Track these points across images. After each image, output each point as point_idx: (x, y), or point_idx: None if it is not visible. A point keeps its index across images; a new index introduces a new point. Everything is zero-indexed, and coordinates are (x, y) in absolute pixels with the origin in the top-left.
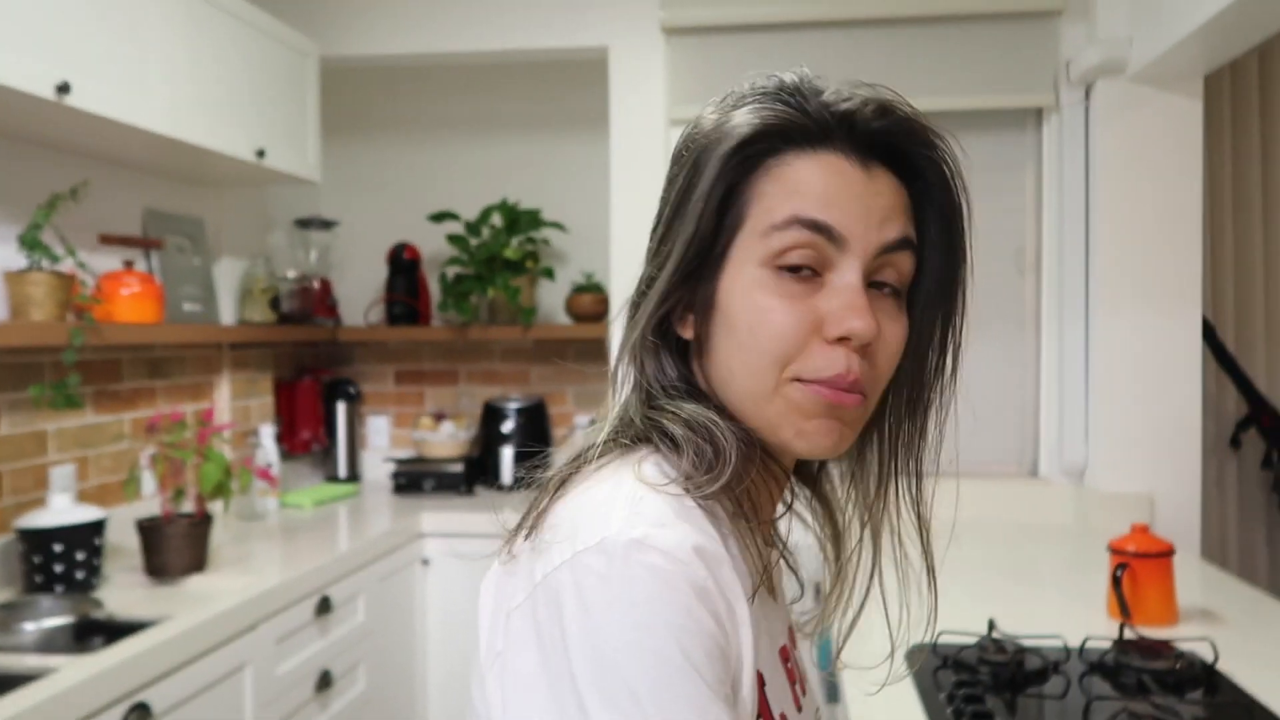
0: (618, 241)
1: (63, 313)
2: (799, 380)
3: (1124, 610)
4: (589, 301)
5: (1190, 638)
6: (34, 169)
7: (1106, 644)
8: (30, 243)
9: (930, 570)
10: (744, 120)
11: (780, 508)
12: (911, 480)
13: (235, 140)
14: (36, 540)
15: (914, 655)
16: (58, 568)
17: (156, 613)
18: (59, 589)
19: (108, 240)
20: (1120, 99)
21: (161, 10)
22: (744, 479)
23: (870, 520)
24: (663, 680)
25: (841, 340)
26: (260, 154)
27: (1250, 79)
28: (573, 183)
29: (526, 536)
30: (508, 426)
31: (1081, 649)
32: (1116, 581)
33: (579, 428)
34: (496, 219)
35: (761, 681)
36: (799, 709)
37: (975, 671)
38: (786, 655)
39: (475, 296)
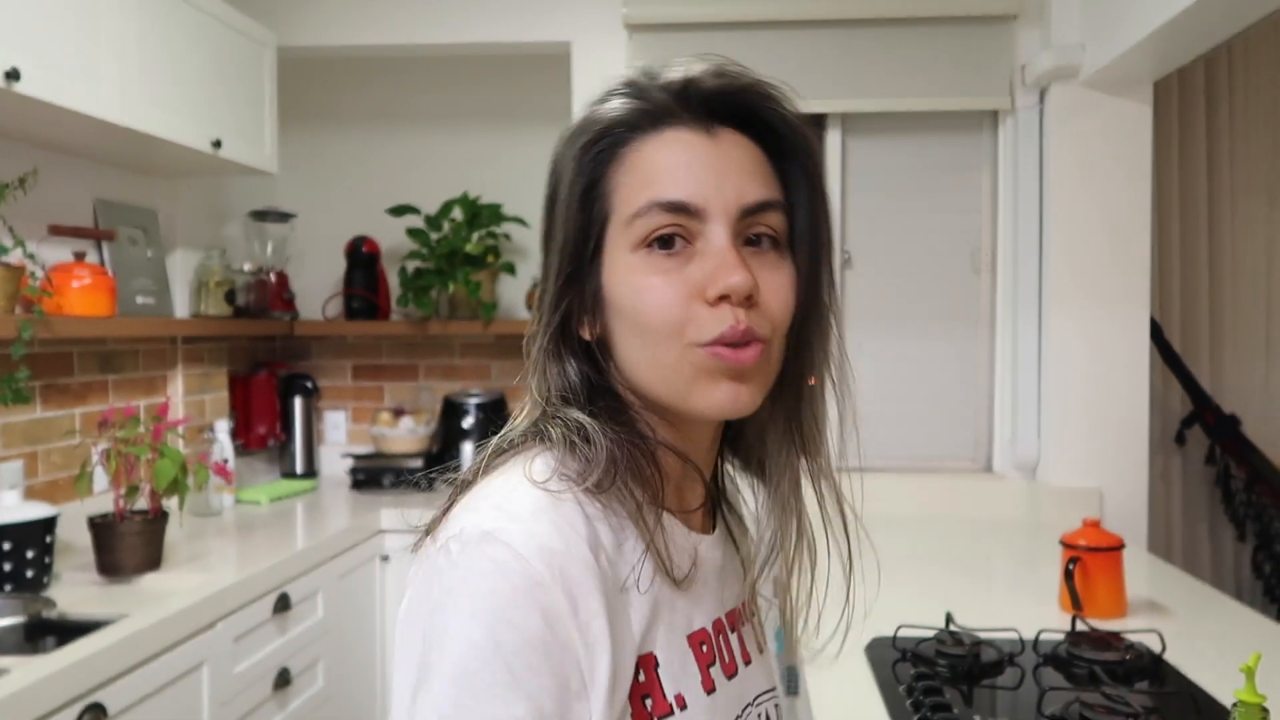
0: None
1: (11, 305)
2: (697, 346)
3: (1075, 603)
4: None
5: (1139, 629)
6: None
7: (1059, 636)
8: None
9: (848, 536)
10: (589, 119)
11: (698, 500)
12: (818, 453)
13: (190, 130)
14: None
15: (873, 648)
16: (6, 566)
17: (111, 612)
18: (8, 588)
19: (58, 231)
20: (1073, 103)
21: None
22: (641, 475)
23: (792, 494)
24: (474, 668)
25: (723, 299)
26: (216, 144)
27: (1197, 87)
28: (534, 178)
29: (428, 533)
30: (468, 422)
31: (1035, 641)
32: (1069, 575)
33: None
34: (457, 213)
35: (653, 663)
36: (709, 689)
37: (933, 664)
38: (704, 637)
39: (435, 291)
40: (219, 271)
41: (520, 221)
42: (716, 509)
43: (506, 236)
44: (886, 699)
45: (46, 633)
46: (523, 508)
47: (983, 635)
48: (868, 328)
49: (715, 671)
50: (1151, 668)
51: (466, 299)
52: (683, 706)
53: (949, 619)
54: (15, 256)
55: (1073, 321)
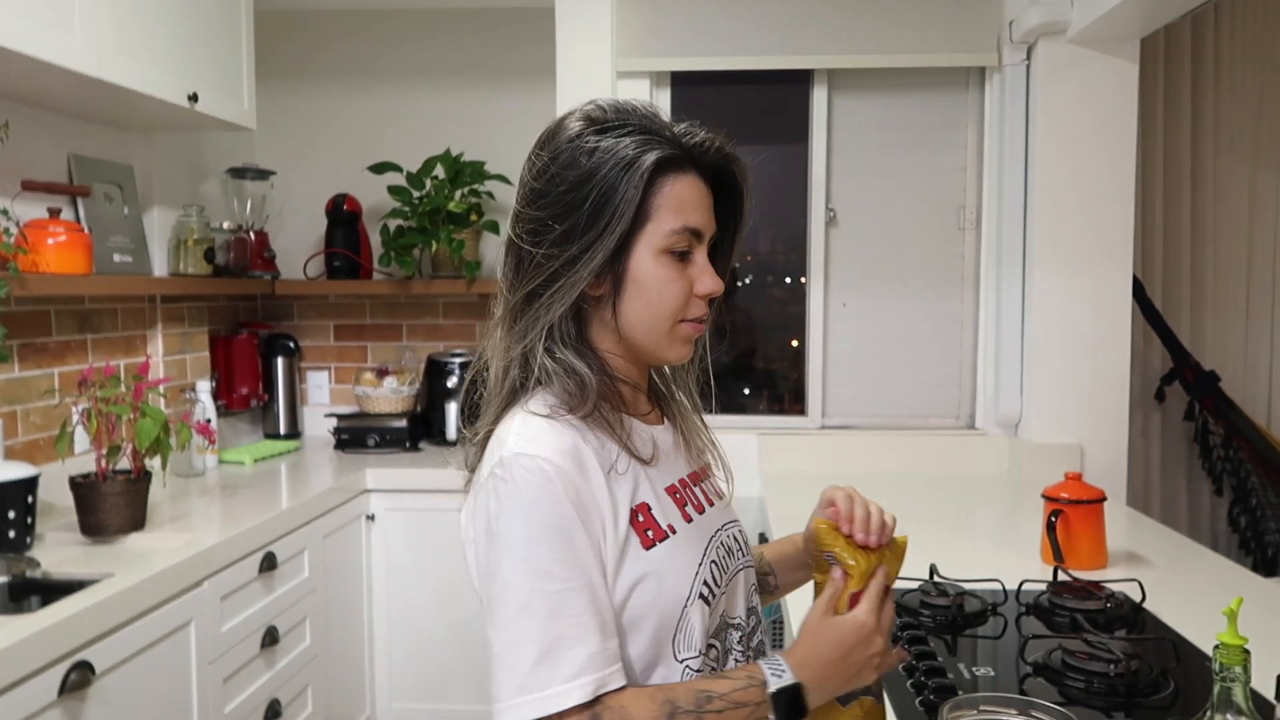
0: None
1: None
2: (683, 321)
3: (1057, 555)
4: None
5: (1119, 579)
6: None
7: (1041, 587)
8: None
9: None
10: (644, 153)
11: (647, 405)
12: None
13: (166, 83)
14: None
15: None
16: None
17: (95, 571)
18: None
19: (31, 187)
20: (1060, 60)
21: None
22: (608, 400)
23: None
24: (539, 543)
25: (704, 296)
26: (193, 98)
27: (1183, 44)
28: (518, 135)
29: (471, 477)
30: (451, 381)
31: (1018, 592)
32: (1051, 527)
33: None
34: (439, 171)
35: (647, 508)
36: (688, 520)
37: (918, 615)
38: (674, 489)
39: (418, 250)
40: (197, 229)
41: (503, 179)
42: (661, 408)
43: (490, 195)
44: None
45: (30, 592)
46: (536, 430)
47: (966, 586)
48: (852, 286)
49: (690, 510)
50: (1132, 616)
51: (449, 258)
52: (673, 531)
53: (933, 571)
54: None
55: (1056, 279)
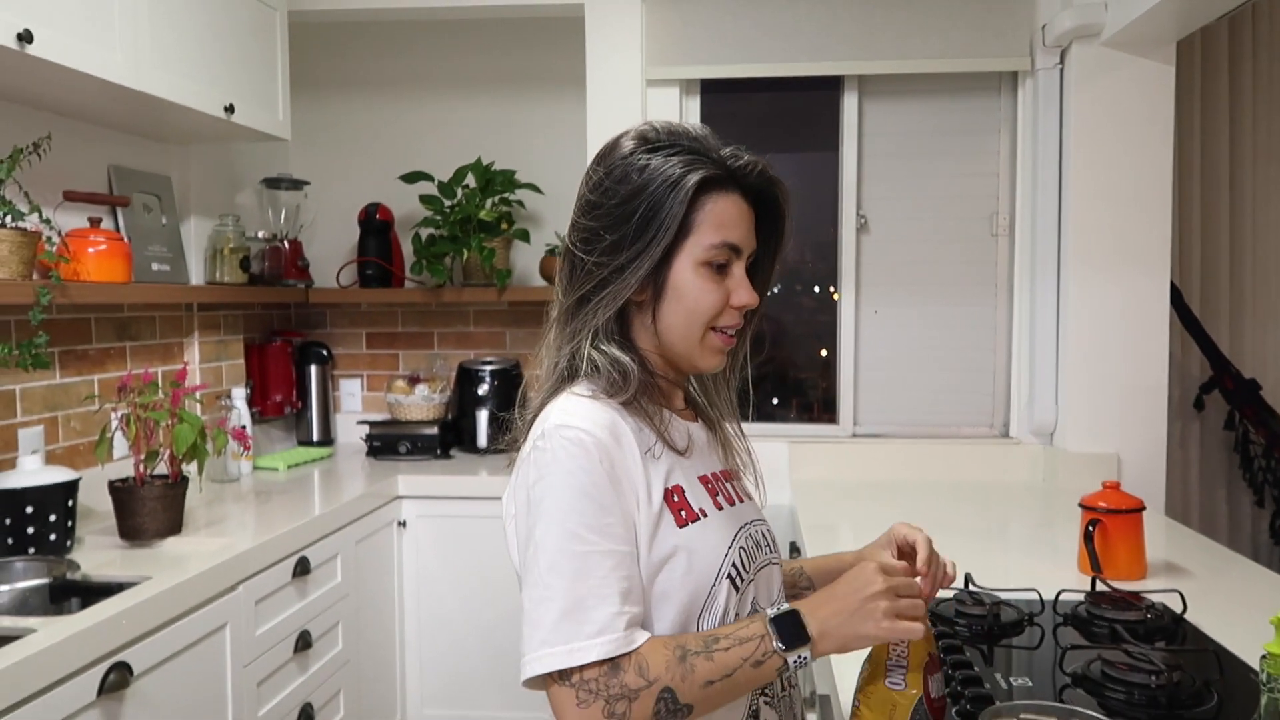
0: None
1: (28, 271)
2: (714, 330)
3: (1095, 565)
4: None
5: (1159, 590)
6: None
7: (1079, 597)
8: None
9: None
10: (689, 172)
11: (683, 404)
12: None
13: (203, 95)
14: (7, 502)
15: None
16: (29, 530)
17: (133, 574)
18: (31, 551)
19: (73, 197)
20: (1095, 63)
21: None
22: (648, 393)
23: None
24: (576, 510)
25: (739, 307)
26: (229, 109)
27: (1220, 46)
28: (548, 144)
29: (517, 451)
30: (482, 389)
31: (1055, 602)
32: (1088, 537)
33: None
34: (470, 180)
35: (681, 490)
36: (719, 508)
37: (953, 624)
38: (707, 480)
39: (449, 258)
40: (233, 239)
41: (534, 188)
42: (697, 411)
43: (520, 203)
44: None
45: (70, 594)
46: (578, 406)
47: (1002, 596)
48: (883, 293)
49: (721, 499)
50: (1173, 627)
51: (480, 266)
52: (705, 515)
53: (968, 580)
54: (31, 222)
55: (1092, 286)
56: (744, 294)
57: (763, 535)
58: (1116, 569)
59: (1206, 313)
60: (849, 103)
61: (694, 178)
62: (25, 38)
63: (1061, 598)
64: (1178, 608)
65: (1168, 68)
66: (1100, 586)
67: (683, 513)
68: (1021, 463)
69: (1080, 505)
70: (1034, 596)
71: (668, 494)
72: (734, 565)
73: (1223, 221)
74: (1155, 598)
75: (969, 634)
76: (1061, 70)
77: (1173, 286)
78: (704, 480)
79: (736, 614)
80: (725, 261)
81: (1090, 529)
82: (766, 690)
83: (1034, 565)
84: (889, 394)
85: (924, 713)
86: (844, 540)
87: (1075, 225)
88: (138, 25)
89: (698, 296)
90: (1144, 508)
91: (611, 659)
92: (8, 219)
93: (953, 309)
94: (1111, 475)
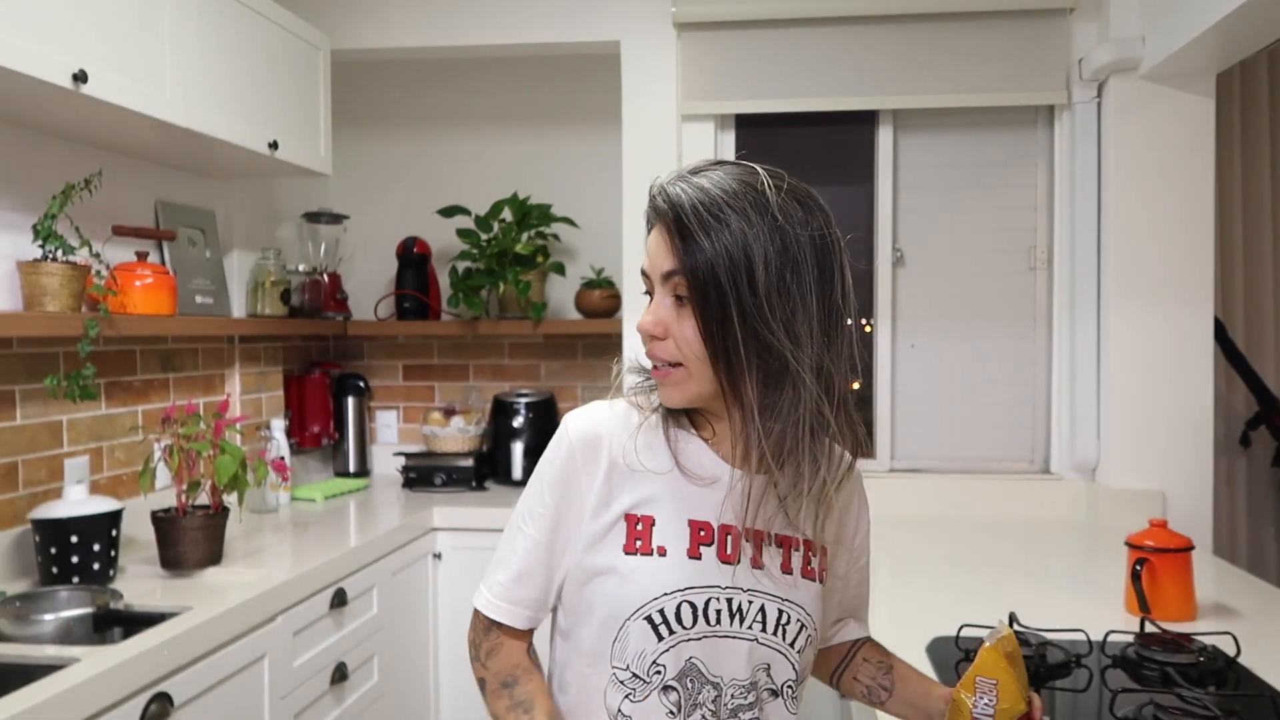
0: (629, 237)
1: (77, 304)
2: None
3: (1143, 605)
4: (599, 297)
5: (1210, 632)
6: (48, 159)
7: (1127, 638)
8: (45, 233)
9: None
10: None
11: (725, 441)
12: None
13: (248, 132)
14: (52, 531)
15: (935, 648)
16: (74, 559)
17: (174, 604)
18: (75, 580)
19: (121, 231)
20: (1133, 97)
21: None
22: (684, 416)
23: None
24: (531, 483)
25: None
26: (273, 146)
27: (1260, 78)
28: (583, 178)
29: None
30: (517, 421)
31: (1103, 643)
32: (1136, 576)
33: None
34: (507, 214)
35: (651, 521)
36: (695, 556)
37: None
38: (705, 526)
39: (485, 291)
40: (274, 272)
41: (570, 222)
42: (763, 460)
43: (555, 237)
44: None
45: (113, 624)
46: (590, 408)
47: (1048, 636)
48: (920, 327)
49: (708, 551)
50: (1225, 671)
51: (516, 299)
52: (663, 554)
53: (1012, 619)
54: (81, 256)
55: (1133, 320)
56: (642, 317)
57: (759, 611)
58: (1165, 610)
59: (1251, 347)
60: (884, 137)
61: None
62: (80, 78)
63: (1110, 639)
64: (1230, 650)
65: (1207, 100)
66: (1149, 628)
67: (638, 541)
68: (1063, 499)
69: (1126, 544)
70: (1080, 637)
71: (631, 517)
72: (661, 613)
73: (1266, 254)
74: (1206, 639)
75: None
76: (1099, 104)
77: (1216, 320)
78: (698, 525)
79: (661, 665)
80: (648, 290)
81: (1138, 568)
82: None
83: (1078, 605)
84: (927, 428)
85: None
86: (882, 578)
87: (1115, 258)
88: (187, 65)
89: None
90: (1193, 546)
91: (488, 621)
92: (59, 253)
93: (991, 343)
94: (1156, 513)
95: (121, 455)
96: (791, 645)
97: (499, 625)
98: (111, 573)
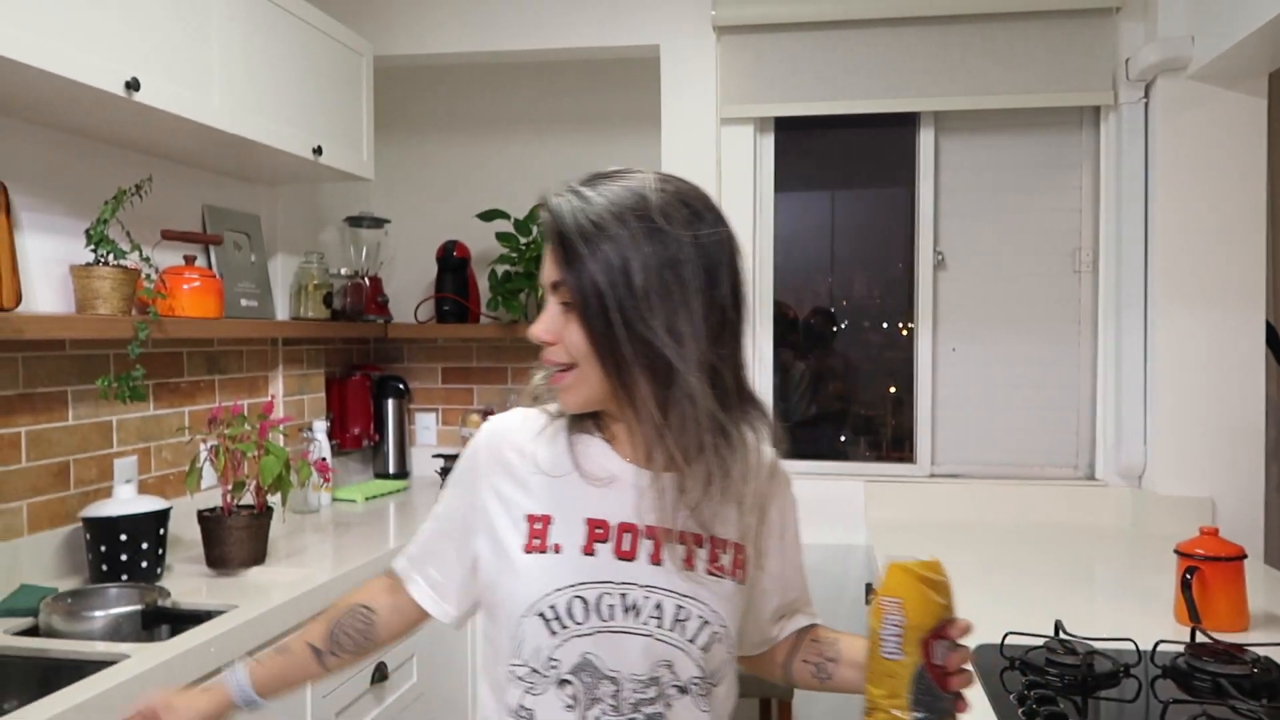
0: None
1: (127, 307)
2: None
3: (1193, 615)
4: None
5: (1263, 643)
6: (100, 165)
7: (1178, 648)
8: (97, 237)
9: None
10: None
11: (629, 443)
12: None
13: (293, 137)
14: (102, 529)
15: (979, 655)
16: (122, 556)
17: (220, 603)
18: (124, 578)
19: (169, 236)
20: (1181, 97)
21: (225, 7)
22: (589, 420)
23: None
24: (449, 479)
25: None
26: (317, 151)
27: None
28: None
29: None
30: None
31: (1153, 653)
32: (1186, 585)
33: None
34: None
35: (548, 520)
36: (589, 553)
37: (1043, 673)
38: (601, 524)
39: (524, 294)
40: (317, 275)
41: None
42: (668, 458)
43: None
44: (996, 708)
45: (161, 621)
46: (505, 415)
47: (1095, 645)
48: (961, 331)
49: (603, 548)
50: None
51: None
52: (558, 551)
53: (1059, 627)
54: (132, 260)
55: (1181, 324)
56: (534, 325)
57: (652, 606)
58: (1216, 619)
59: None
60: (925, 138)
61: None
62: (133, 85)
63: (1159, 648)
64: None
65: (1259, 100)
66: (1200, 638)
67: (536, 540)
68: (1108, 506)
69: (1176, 552)
70: (1128, 646)
71: (531, 517)
72: (552, 608)
73: None
74: (1260, 650)
75: (1061, 684)
76: (1146, 104)
77: (1268, 324)
78: (594, 523)
79: (556, 660)
80: (552, 299)
81: (1188, 577)
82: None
83: (1125, 613)
84: (968, 433)
85: (927, 682)
86: None
87: (1163, 261)
88: (235, 72)
89: None
90: (1245, 555)
91: (395, 579)
92: (110, 257)
93: (1034, 346)
94: (1205, 520)
95: (169, 455)
96: (692, 641)
97: (396, 582)
98: (159, 571)
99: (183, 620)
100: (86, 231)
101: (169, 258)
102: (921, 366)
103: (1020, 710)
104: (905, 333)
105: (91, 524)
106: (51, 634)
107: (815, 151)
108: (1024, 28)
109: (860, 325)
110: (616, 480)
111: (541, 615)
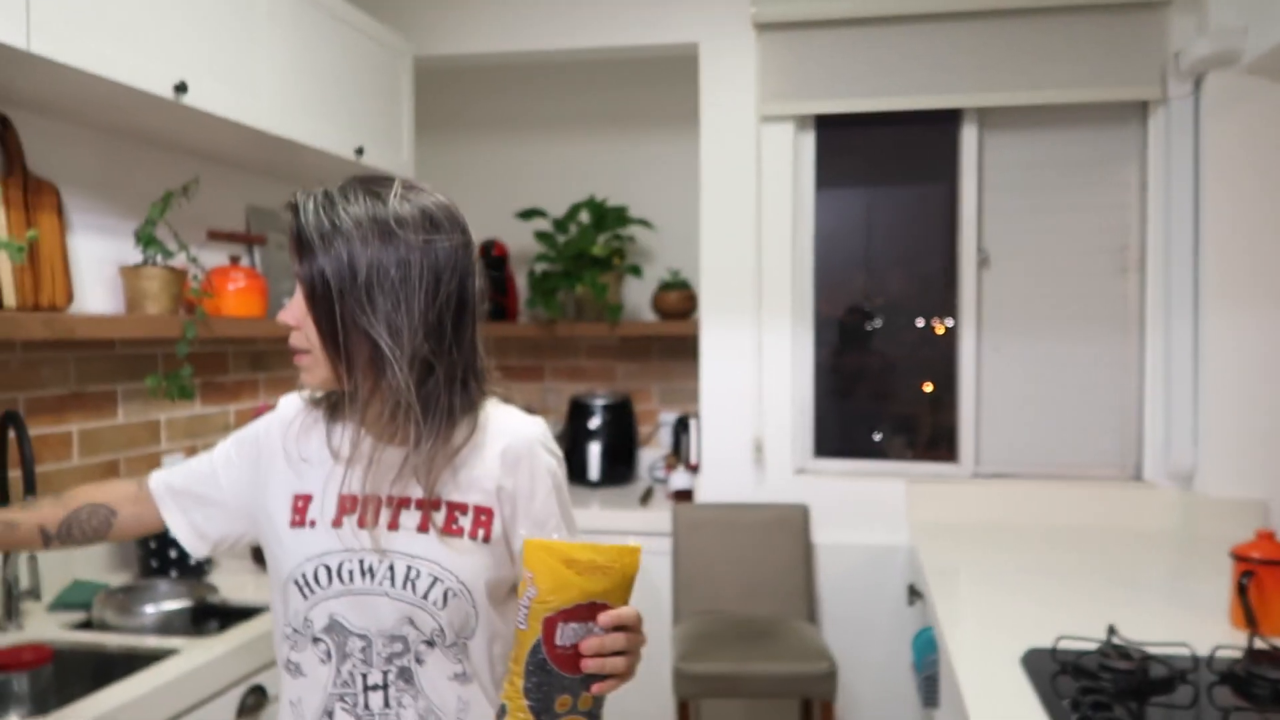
0: (706, 239)
1: (175, 306)
2: None
3: (1250, 619)
4: (675, 299)
5: None
6: (148, 167)
7: (1234, 654)
8: (145, 238)
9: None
10: None
11: (378, 421)
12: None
13: (336, 138)
14: None
15: (1031, 659)
16: (171, 553)
17: (266, 599)
18: (172, 574)
19: (215, 236)
20: (1234, 91)
21: (270, 10)
22: (343, 402)
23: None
24: (240, 437)
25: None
26: (359, 152)
27: None
28: (660, 180)
29: None
30: (594, 422)
31: (1210, 659)
32: (1242, 589)
33: (664, 424)
34: (584, 216)
35: (308, 498)
36: (337, 525)
37: (1096, 678)
38: (350, 498)
39: (562, 293)
40: None
41: (646, 224)
42: (399, 432)
43: (632, 239)
44: (1050, 713)
45: (210, 616)
46: (285, 401)
47: (1150, 650)
48: (1005, 329)
49: (350, 519)
50: None
51: (593, 301)
52: (313, 526)
53: (1112, 631)
54: (179, 260)
55: (1233, 322)
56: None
57: (385, 568)
58: (1274, 624)
59: None
60: (968, 135)
61: None
62: (181, 88)
63: (1217, 654)
64: None
65: None
66: (1259, 644)
67: (297, 516)
68: (1157, 507)
69: (1232, 555)
70: (1184, 652)
71: (297, 496)
72: (304, 575)
73: None
74: None
75: (1114, 690)
76: (1197, 98)
77: None
78: (345, 499)
79: (310, 619)
80: (299, 288)
81: (1244, 581)
82: (345, 698)
83: (1178, 618)
84: (1011, 433)
85: (541, 657)
86: (967, 585)
87: (1214, 259)
88: (279, 75)
89: None
90: None
91: (152, 495)
92: (158, 258)
93: (1080, 346)
94: (1258, 523)
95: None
96: (425, 598)
97: (146, 496)
98: (207, 567)
99: (230, 616)
100: (135, 232)
101: (214, 257)
102: (964, 365)
103: (1075, 716)
104: (943, 330)
105: None
106: (104, 628)
107: (857, 149)
108: (1070, 21)
109: (897, 323)
110: (362, 457)
111: (296, 582)
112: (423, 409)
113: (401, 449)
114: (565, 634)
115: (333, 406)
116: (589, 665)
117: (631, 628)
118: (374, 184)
